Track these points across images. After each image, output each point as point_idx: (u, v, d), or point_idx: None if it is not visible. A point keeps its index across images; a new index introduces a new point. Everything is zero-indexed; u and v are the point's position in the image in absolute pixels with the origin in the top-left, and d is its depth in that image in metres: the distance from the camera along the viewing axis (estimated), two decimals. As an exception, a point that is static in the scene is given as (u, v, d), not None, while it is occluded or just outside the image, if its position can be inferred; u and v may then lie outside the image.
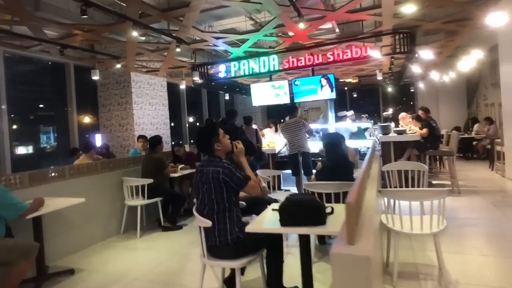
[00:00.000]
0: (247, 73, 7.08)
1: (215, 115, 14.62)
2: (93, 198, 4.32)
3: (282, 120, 7.72)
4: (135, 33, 4.46)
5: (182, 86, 8.16)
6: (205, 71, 7.73)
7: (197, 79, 7.47)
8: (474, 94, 12.41)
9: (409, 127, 6.52)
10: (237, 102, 16.41)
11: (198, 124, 13.51)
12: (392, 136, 6.14)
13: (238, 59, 7.14)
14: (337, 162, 3.36)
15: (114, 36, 5.89)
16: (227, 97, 12.66)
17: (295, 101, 7.40)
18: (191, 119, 12.34)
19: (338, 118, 8.68)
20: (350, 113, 9.02)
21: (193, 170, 5.69)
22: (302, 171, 5.66)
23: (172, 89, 9.88)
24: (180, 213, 5.18)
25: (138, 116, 8.66)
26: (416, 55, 6.30)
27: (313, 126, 7.39)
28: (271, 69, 6.85)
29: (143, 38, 6.31)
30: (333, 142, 3.42)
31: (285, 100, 7.44)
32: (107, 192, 4.67)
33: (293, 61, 6.69)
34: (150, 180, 4.75)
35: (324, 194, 3.08)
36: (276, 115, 15.26)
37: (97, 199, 4.47)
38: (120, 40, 5.88)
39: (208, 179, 2.35)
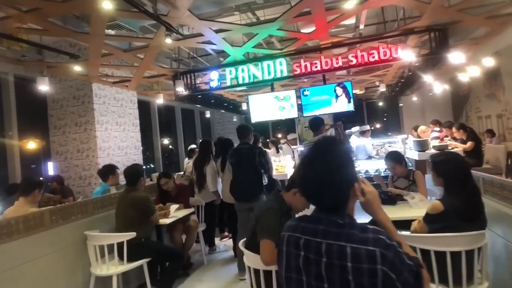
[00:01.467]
0: (247, 81, 5.66)
1: (191, 137, 12.93)
2: (37, 270, 2.58)
3: (280, 139, 6.37)
4: (106, 6, 2.86)
5: (159, 101, 6.58)
6: (192, 80, 6.21)
7: (181, 90, 5.92)
8: (462, 107, 12.09)
9: (443, 140, 5.46)
10: (214, 121, 14.86)
11: (172, 147, 11.73)
12: (429, 154, 4.99)
13: (235, 64, 5.73)
14: (471, 201, 2.03)
15: (70, 27, 4.24)
16: (208, 115, 11.03)
17: (304, 114, 6.08)
18: (165, 141, 10.58)
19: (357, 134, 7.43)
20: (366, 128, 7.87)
21: (189, 210, 4.06)
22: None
23: (140, 107, 8.19)
24: (178, 275, 3.53)
25: (103, 139, 6.84)
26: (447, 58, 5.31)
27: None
28: (278, 75, 5.50)
29: (113, 31, 4.72)
30: (459, 167, 2.09)
31: (292, 114, 6.10)
32: (60, 257, 2.92)
33: (306, 66, 5.39)
34: (132, 234, 3.08)
35: (449, 253, 1.88)
36: (267, 133, 14.04)
37: (43, 271, 2.71)
38: (79, 31, 4.23)
39: (332, 269, 0.93)
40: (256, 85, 6.72)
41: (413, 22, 4.83)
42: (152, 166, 10.06)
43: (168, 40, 3.73)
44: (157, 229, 3.80)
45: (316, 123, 4.36)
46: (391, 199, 3.05)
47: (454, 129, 5.25)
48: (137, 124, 7.99)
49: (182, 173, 6.72)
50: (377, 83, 8.97)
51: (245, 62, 5.75)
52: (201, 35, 4.32)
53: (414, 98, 11.55)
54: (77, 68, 4.88)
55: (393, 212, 2.77)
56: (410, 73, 6.65)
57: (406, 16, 5.30)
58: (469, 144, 4.98)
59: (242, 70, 5.70)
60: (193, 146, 7.85)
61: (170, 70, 6.10)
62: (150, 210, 3.31)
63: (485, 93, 9.29)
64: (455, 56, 5.11)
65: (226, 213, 4.78)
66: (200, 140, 5.57)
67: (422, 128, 6.50)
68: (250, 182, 3.59)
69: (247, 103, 6.29)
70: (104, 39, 4.29)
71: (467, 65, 7.20)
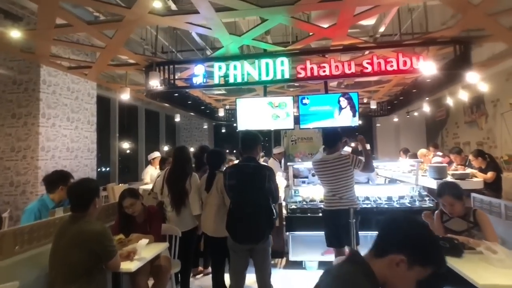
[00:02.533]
0: (239, 80, 4.66)
1: (154, 142, 11.52)
2: None
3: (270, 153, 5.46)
4: None
5: (125, 97, 5.34)
6: (170, 74, 5.07)
7: (155, 84, 4.77)
8: (438, 132, 12.14)
9: (455, 167, 4.89)
10: (180, 126, 13.55)
11: (130, 152, 10.27)
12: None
13: (227, 59, 4.72)
14: None
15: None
16: (177, 119, 9.74)
17: (302, 126, 5.21)
18: (125, 145, 9.13)
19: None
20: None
21: (163, 246, 2.93)
22: (351, 241, 3.38)
23: (99, 104, 6.84)
24: None
25: (47, 137, 5.43)
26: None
27: (306, 164, 5.25)
28: (278, 77, 4.58)
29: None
30: None
31: (287, 124, 5.19)
32: None
33: (312, 69, 4.54)
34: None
35: None
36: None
37: None
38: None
39: None
40: (242, 88, 5.76)
41: (436, 31, 4.22)
42: (107, 169, 8.57)
43: (157, 3, 2.63)
44: (114, 275, 2.62)
45: (332, 137, 3.47)
46: (457, 249, 2.22)
47: (471, 157, 4.69)
48: (94, 122, 6.62)
49: (146, 186, 5.50)
50: (365, 100, 8.45)
51: (239, 57, 4.77)
52: (195, 11, 3.28)
53: (395, 119, 11.29)
54: (16, 34, 3.55)
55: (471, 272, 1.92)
56: (414, 90, 6.07)
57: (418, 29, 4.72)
58: (490, 174, 4.44)
59: (235, 67, 4.70)
60: (157, 154, 6.55)
61: (145, 59, 4.92)
62: (108, 252, 2.15)
63: (465, 119, 9.24)
64: (471, 75, 4.59)
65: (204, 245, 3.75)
66: (175, 147, 4.32)
67: (423, 151, 5.94)
68: (259, 216, 2.60)
69: (214, 112, 5.29)
70: (61, 1, 3.10)
71: (451, 88, 6.87)
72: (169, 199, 3.54)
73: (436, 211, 2.72)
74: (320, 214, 4.14)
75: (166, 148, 11.57)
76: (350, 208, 3.35)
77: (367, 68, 4.40)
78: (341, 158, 3.43)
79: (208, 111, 7.78)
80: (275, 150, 6.37)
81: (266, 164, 3.77)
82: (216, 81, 4.78)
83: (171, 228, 3.39)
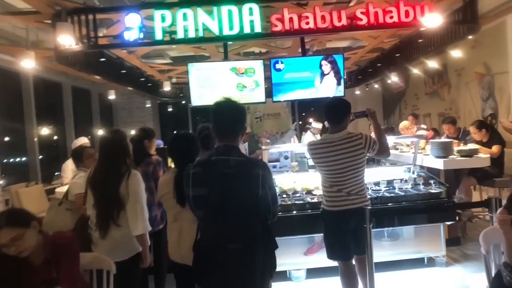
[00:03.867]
0: (192, 35, 3.32)
1: (86, 125, 9.55)
2: None
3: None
4: None
5: (28, 64, 3.71)
6: (90, 27, 3.53)
7: (67, 42, 3.25)
8: (396, 104, 12.01)
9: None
10: (117, 106, 11.54)
11: (56, 137, 8.34)
12: (458, 161, 3.60)
13: (173, 5, 3.35)
14: None
15: None
16: (112, 96, 7.90)
17: (275, 98, 4.09)
18: (45, 131, 7.22)
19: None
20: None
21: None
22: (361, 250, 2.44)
23: (3, 79, 4.96)
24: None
25: None
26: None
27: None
28: (247, 30, 3.34)
29: None
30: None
31: (257, 96, 4.01)
32: None
33: (291, 19, 3.37)
34: None
35: None
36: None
37: None
38: None
39: None
40: (193, 55, 4.39)
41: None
42: (24, 159, 6.65)
43: None
44: None
45: (338, 109, 2.41)
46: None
47: (473, 129, 4.03)
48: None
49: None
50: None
51: (191, 2, 3.42)
52: None
53: (357, 92, 10.73)
54: None
55: None
56: (398, 55, 5.25)
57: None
58: (495, 148, 3.81)
59: (185, 17, 3.35)
60: (83, 140, 4.60)
61: (48, 3, 3.31)
62: None
63: (426, 90, 8.96)
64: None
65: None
66: (108, 132, 2.84)
67: (405, 123, 5.22)
68: (252, 257, 1.45)
69: (157, 86, 3.96)
70: None
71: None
72: (95, 212, 2.23)
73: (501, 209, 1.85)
74: (310, 211, 3.17)
75: (101, 132, 9.67)
76: (364, 208, 2.38)
77: (361, 20, 3.36)
78: (351, 138, 2.40)
79: (149, 84, 6.25)
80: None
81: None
82: (158, 36, 3.39)
83: (97, 259, 2.10)
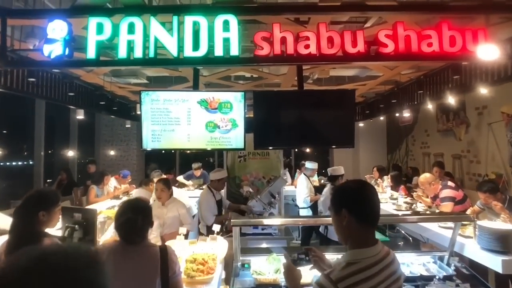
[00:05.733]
0: (138, 54, 2.25)
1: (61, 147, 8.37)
2: None
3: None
4: None
5: None
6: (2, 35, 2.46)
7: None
8: (402, 139, 11.00)
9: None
10: (100, 123, 10.44)
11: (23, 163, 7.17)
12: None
13: (113, 11, 2.31)
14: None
15: None
16: (80, 116, 6.72)
17: (257, 147, 2.99)
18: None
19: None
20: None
21: None
22: None
23: None
24: None
25: None
26: None
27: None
28: (218, 53, 2.27)
29: None
30: None
31: (234, 140, 2.93)
32: None
33: (283, 39, 2.29)
34: None
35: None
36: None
37: None
38: None
39: None
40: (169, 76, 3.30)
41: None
42: None
43: None
44: None
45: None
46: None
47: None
48: None
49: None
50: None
51: (140, 9, 2.36)
52: None
53: (361, 124, 9.68)
54: None
55: None
56: (421, 92, 4.18)
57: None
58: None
59: (130, 28, 2.29)
60: None
61: None
62: None
63: (438, 127, 8.02)
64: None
65: None
66: None
67: (427, 177, 4.01)
68: None
69: (140, 107, 2.87)
70: None
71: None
72: None
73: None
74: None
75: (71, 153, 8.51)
76: None
77: (385, 46, 2.30)
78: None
79: (118, 108, 5.14)
80: (213, 175, 3.98)
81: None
82: (90, 54, 2.30)
83: None
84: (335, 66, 4.60)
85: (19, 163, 7.86)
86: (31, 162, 7.53)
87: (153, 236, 3.12)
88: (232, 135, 2.92)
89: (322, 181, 6.12)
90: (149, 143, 2.88)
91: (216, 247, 2.63)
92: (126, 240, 1.68)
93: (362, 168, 9.79)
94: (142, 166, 11.02)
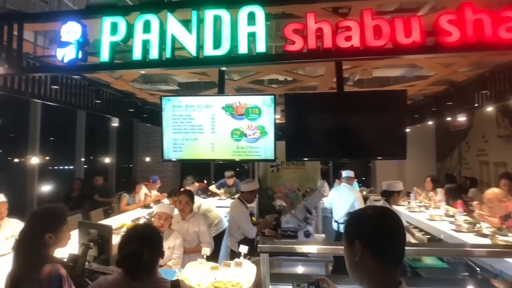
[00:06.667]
0: (154, 54, 2.00)
1: (99, 155, 8.64)
2: None
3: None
4: None
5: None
6: (17, 39, 2.37)
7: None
8: (454, 146, 10.03)
9: None
10: (138, 130, 10.69)
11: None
12: None
13: (128, 9, 2.11)
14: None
15: None
16: (115, 124, 6.87)
17: (291, 157, 2.61)
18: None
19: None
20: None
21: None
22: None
23: None
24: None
25: None
26: None
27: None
28: (242, 50, 1.97)
29: None
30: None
31: (263, 151, 2.60)
32: None
33: (319, 31, 1.93)
34: None
35: None
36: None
37: None
38: None
39: None
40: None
41: None
42: None
43: None
44: None
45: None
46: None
47: None
48: None
49: None
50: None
51: (156, 5, 2.13)
52: None
53: (407, 129, 8.92)
54: None
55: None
56: (485, 92, 3.57)
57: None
58: None
59: (146, 27, 2.06)
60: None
61: None
62: None
63: (499, 132, 7.25)
64: None
65: None
66: None
67: (495, 191, 3.33)
68: None
69: (161, 114, 2.64)
70: None
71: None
72: None
73: None
74: None
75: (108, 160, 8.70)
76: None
77: (449, 34, 1.83)
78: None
79: (144, 114, 5.03)
80: (244, 186, 3.66)
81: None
82: (104, 56, 2.10)
83: None
84: (379, 65, 4.10)
85: (64, 167, 8.20)
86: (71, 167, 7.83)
87: (176, 256, 2.85)
88: (261, 144, 2.58)
89: (364, 192, 5.56)
90: (170, 153, 2.63)
91: (241, 274, 2.28)
92: (130, 276, 1.40)
93: (408, 178, 8.96)
94: (178, 173, 11.07)
